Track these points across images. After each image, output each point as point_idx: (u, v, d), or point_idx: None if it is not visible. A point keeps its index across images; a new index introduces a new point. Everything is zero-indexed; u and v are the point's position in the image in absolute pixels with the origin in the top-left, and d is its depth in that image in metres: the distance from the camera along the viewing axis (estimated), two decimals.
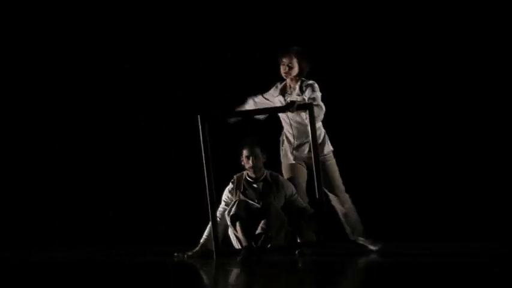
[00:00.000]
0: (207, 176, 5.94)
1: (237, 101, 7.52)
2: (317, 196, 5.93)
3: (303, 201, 6.17)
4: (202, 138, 5.96)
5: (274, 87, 6.34)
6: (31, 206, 7.62)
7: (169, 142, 7.71)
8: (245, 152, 6.14)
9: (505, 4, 7.36)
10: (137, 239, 7.46)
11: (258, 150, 6.14)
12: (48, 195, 7.63)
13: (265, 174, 6.18)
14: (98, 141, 7.73)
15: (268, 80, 7.63)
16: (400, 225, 7.22)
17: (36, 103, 7.71)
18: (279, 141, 6.38)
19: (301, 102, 5.96)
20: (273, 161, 6.36)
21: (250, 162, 6.11)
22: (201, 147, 5.96)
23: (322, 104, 6.03)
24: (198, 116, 5.98)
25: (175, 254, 6.04)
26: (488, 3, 7.41)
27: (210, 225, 6.01)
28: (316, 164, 5.94)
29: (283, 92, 6.26)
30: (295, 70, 6.16)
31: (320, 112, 5.99)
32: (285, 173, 6.31)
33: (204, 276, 5.11)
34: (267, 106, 6.27)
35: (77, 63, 7.74)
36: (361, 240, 6.30)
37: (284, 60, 6.18)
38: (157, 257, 6.13)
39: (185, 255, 6.02)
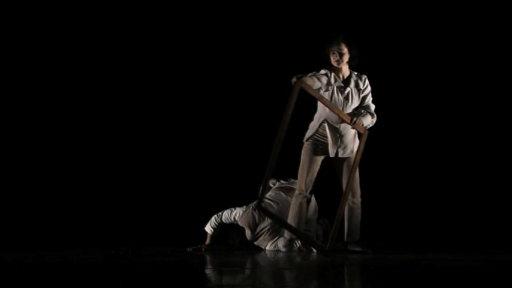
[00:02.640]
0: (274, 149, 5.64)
1: (237, 100, 7.53)
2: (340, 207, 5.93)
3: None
4: (288, 107, 5.59)
5: (324, 74, 6.11)
6: (31, 206, 7.62)
7: (169, 142, 7.71)
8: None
9: None
10: (137, 239, 7.46)
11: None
12: (48, 195, 7.63)
13: None
14: (98, 141, 7.74)
15: (268, 79, 7.67)
16: (398, 225, 7.23)
17: (36, 103, 7.72)
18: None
19: (366, 126, 6.04)
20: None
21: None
22: (285, 114, 5.60)
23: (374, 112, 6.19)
24: (300, 86, 5.61)
25: (189, 249, 6.13)
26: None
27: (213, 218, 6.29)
28: (351, 180, 5.97)
29: (337, 81, 6.14)
30: (346, 57, 6.13)
31: (373, 121, 6.15)
32: (308, 161, 6.14)
33: (203, 277, 5.10)
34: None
35: (77, 63, 7.75)
36: (352, 246, 6.19)
37: (333, 48, 6.13)
38: (157, 257, 6.12)
39: (202, 249, 6.16)
